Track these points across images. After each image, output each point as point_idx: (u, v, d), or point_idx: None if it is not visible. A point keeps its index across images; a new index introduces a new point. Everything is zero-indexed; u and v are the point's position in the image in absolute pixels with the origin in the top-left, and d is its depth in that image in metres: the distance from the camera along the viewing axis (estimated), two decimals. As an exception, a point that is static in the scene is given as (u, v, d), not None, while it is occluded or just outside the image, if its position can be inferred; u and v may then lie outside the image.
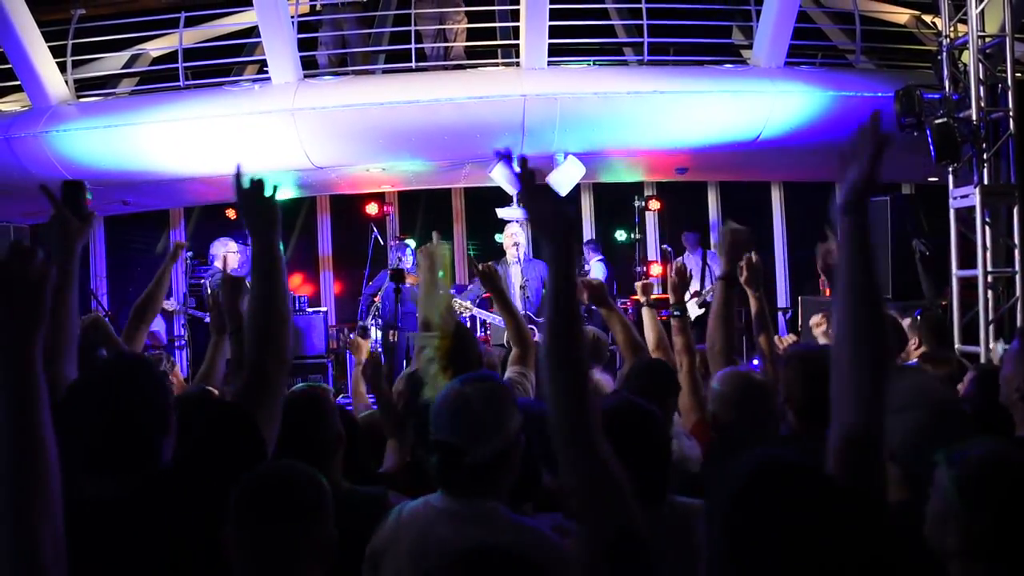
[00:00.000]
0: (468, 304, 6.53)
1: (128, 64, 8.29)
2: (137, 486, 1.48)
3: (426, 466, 1.75)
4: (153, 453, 1.53)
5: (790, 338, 4.02)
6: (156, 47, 8.26)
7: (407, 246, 7.66)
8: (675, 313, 3.29)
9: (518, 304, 6.98)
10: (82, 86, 7.63)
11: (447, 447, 1.64)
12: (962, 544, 1.25)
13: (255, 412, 1.64)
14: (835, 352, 1.36)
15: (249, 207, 1.78)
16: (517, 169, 1.40)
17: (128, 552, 1.42)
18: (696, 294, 7.63)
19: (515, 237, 6.91)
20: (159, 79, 7.65)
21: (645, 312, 3.46)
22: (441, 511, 1.66)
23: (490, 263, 3.20)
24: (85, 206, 1.98)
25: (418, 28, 7.33)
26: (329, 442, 2.11)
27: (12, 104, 7.89)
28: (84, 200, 1.99)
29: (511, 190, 7.42)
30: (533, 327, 6.80)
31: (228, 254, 6.90)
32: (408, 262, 7.46)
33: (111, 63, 8.18)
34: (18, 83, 7.23)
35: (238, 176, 1.79)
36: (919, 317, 3.89)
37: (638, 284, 3.88)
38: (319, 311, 8.31)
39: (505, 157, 1.48)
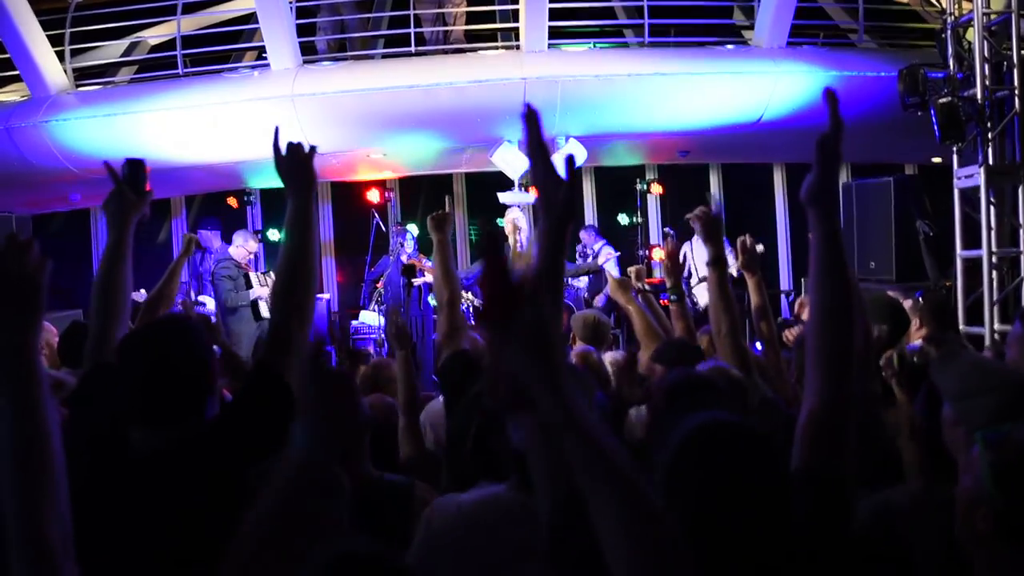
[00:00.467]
0: (469, 296, 6.56)
1: (127, 52, 8.25)
2: (184, 439, 1.56)
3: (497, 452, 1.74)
4: (198, 409, 1.61)
5: (797, 329, 4.02)
6: (154, 35, 8.22)
7: (407, 231, 7.66)
8: (672, 298, 3.26)
9: None
10: (81, 75, 7.60)
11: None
12: (993, 527, 1.24)
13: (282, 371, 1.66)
14: (807, 336, 1.40)
15: (287, 167, 1.83)
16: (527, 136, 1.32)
17: (172, 503, 1.50)
18: (705, 279, 7.58)
19: (516, 222, 6.91)
20: (158, 67, 7.62)
21: (639, 298, 3.46)
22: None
23: (444, 211, 3.16)
24: (144, 183, 2.09)
25: (417, 12, 7.28)
26: (358, 428, 2.10)
27: (11, 94, 7.87)
28: (143, 177, 2.10)
29: (512, 175, 7.41)
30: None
31: (241, 247, 6.93)
32: (409, 247, 7.47)
33: (110, 51, 8.15)
34: (17, 73, 7.20)
35: (276, 136, 1.86)
36: (920, 298, 3.86)
37: (631, 269, 3.87)
38: (321, 297, 8.32)
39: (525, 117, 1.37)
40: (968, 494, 1.29)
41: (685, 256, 7.72)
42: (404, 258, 7.40)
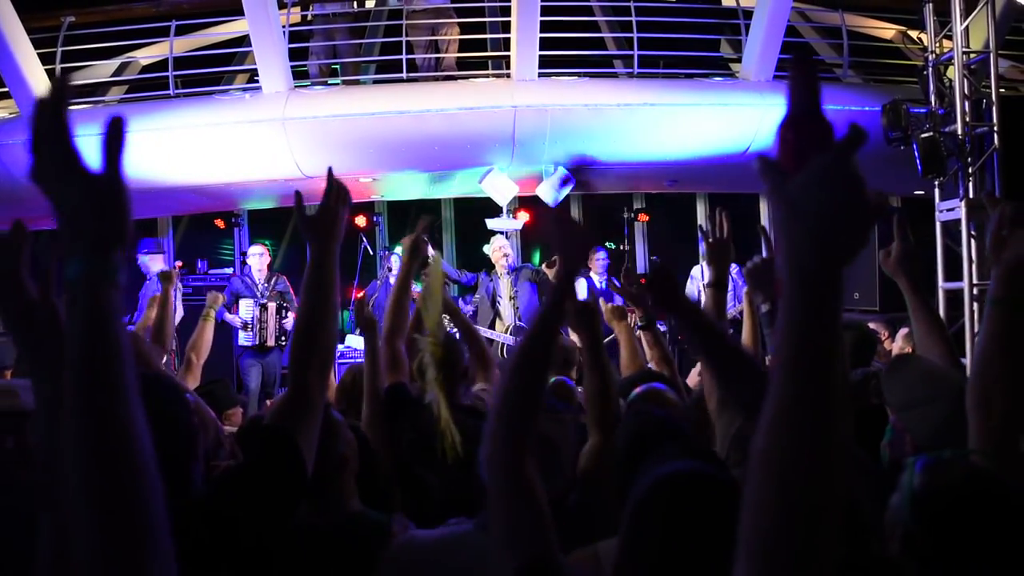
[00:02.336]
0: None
1: (118, 72, 8.27)
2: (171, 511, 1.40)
3: (430, 486, 1.68)
4: (178, 480, 1.41)
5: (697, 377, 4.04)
6: (146, 55, 8.24)
7: (395, 255, 7.67)
8: (640, 325, 3.22)
9: (508, 314, 7.00)
10: (71, 94, 7.59)
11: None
12: (901, 551, 1.21)
13: (297, 433, 1.53)
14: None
15: (314, 221, 1.72)
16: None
17: None
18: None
19: (504, 249, 6.96)
20: (149, 87, 7.63)
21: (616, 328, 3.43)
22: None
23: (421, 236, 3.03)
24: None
25: (409, 39, 7.35)
26: (338, 462, 2.02)
27: (0, 111, 7.85)
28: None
29: (501, 201, 7.45)
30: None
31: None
32: (396, 267, 7.48)
33: (100, 71, 8.16)
34: (6, 90, 7.19)
35: (298, 200, 1.84)
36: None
37: (605, 308, 3.84)
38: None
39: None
40: (890, 513, 1.26)
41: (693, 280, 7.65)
42: (392, 281, 7.39)
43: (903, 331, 3.88)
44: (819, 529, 0.72)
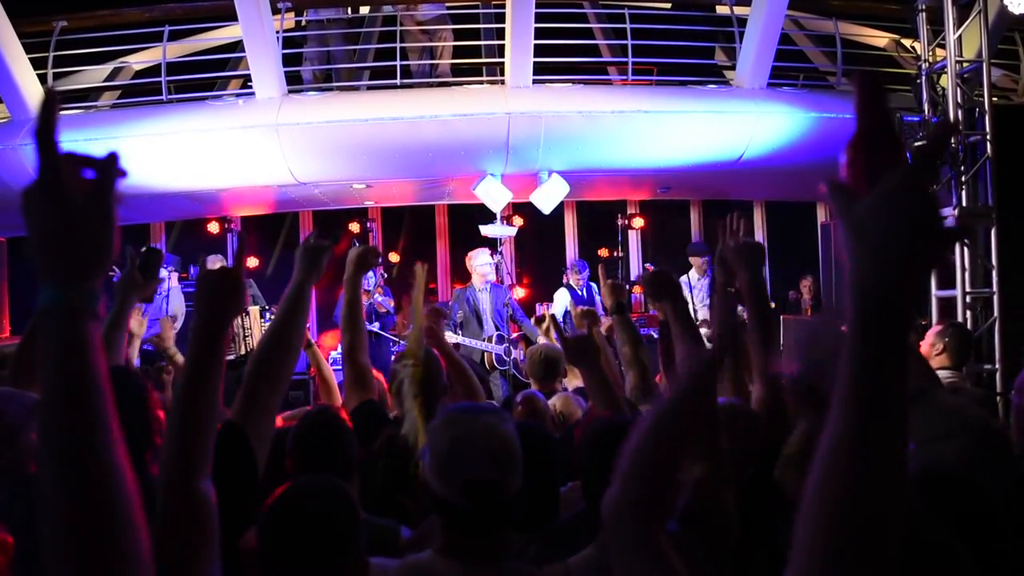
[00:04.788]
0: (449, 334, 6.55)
1: (110, 77, 8.23)
2: None
3: (406, 508, 1.65)
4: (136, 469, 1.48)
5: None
6: (139, 60, 8.21)
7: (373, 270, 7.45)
8: (611, 311, 3.04)
9: (489, 326, 7.01)
10: (63, 99, 7.55)
11: (484, 486, 1.50)
12: None
13: (249, 432, 1.63)
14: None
15: (306, 250, 1.95)
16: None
17: None
18: (705, 323, 6.98)
19: (484, 268, 7.00)
20: (142, 92, 7.60)
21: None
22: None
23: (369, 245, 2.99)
24: (156, 270, 2.33)
25: (404, 45, 7.34)
26: (346, 466, 2.08)
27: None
28: (157, 264, 2.33)
29: (495, 208, 7.43)
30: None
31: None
32: (371, 279, 7.30)
33: (93, 76, 8.12)
34: (-2, 95, 7.15)
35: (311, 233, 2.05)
36: (949, 329, 3.85)
37: (574, 311, 3.73)
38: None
39: None
40: None
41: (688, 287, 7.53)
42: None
43: (936, 328, 3.87)
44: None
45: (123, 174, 0.89)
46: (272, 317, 1.84)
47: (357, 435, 2.37)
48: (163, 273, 7.50)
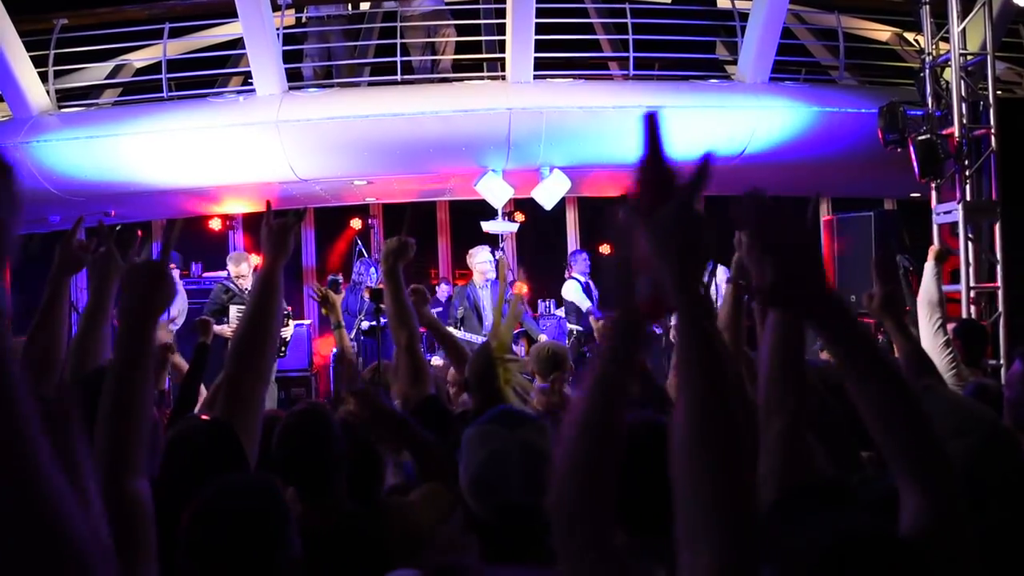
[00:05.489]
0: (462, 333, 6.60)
1: (111, 74, 8.22)
2: None
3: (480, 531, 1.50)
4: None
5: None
6: (139, 58, 8.20)
7: (374, 264, 7.36)
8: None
9: (489, 322, 6.99)
10: (64, 96, 7.55)
11: (518, 511, 1.38)
12: None
13: (235, 426, 1.62)
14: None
15: (270, 233, 1.93)
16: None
17: None
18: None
19: (484, 266, 6.97)
20: (142, 90, 7.60)
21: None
22: None
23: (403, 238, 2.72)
24: (132, 250, 2.24)
25: (405, 41, 7.32)
26: (333, 461, 2.02)
27: (-8, 114, 7.80)
28: (133, 244, 2.22)
29: (496, 204, 7.41)
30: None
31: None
32: (373, 278, 7.19)
33: (94, 73, 8.11)
34: (-2, 92, 7.15)
35: (268, 209, 2.01)
36: (956, 327, 3.84)
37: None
38: (303, 324, 8.22)
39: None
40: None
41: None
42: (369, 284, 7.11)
43: (949, 326, 3.85)
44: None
45: None
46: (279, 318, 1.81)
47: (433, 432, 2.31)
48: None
